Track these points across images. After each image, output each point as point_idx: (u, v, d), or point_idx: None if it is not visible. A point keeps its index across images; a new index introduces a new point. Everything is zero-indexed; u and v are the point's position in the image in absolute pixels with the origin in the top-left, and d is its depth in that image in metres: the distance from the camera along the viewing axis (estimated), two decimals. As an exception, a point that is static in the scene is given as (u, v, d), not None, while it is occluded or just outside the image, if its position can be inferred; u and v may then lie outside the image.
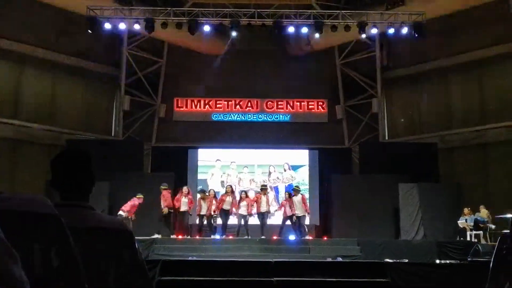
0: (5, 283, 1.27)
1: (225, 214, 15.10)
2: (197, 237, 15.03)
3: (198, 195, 15.56)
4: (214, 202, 15.24)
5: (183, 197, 15.04)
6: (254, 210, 15.29)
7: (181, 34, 18.12)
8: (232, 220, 15.49)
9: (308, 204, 15.66)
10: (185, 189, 15.37)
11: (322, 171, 19.61)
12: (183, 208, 15.01)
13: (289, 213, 14.95)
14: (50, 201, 1.78)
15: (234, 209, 15.14)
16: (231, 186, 15.90)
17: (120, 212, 14.20)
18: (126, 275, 2.29)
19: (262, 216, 15.20)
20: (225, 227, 15.09)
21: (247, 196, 15.61)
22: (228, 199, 15.15)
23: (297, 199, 15.15)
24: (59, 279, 1.68)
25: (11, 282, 1.29)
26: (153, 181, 15.99)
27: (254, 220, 15.44)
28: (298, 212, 15.00)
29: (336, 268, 9.80)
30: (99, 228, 2.27)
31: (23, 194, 1.73)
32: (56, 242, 1.70)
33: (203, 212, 15.13)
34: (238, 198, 15.57)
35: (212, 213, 15.10)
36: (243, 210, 15.11)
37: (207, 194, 15.59)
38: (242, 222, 15.04)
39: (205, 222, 15.29)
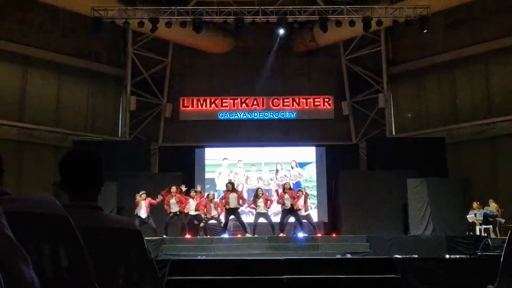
0: (16, 284, 1.26)
1: (233, 212, 14.56)
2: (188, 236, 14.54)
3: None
4: (212, 205, 14.68)
5: (171, 197, 14.38)
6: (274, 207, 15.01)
7: (186, 33, 18.13)
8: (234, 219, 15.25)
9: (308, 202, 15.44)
10: (173, 189, 14.51)
11: (330, 167, 19.57)
12: (173, 209, 14.34)
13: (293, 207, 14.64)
14: (58, 202, 1.76)
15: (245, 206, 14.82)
16: (231, 183, 15.21)
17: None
18: (136, 274, 2.28)
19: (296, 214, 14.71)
20: (244, 226, 14.60)
21: (263, 193, 15.07)
22: (233, 195, 14.56)
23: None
24: (69, 279, 1.66)
25: (22, 283, 1.27)
26: (161, 181, 15.97)
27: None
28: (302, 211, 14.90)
29: (345, 265, 9.76)
30: (108, 228, 2.26)
31: (31, 195, 1.72)
32: (65, 243, 1.69)
33: (192, 212, 14.57)
34: (248, 196, 15.25)
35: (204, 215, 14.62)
36: (261, 208, 14.63)
37: (196, 192, 14.98)
38: (263, 220, 14.67)
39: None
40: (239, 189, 16.41)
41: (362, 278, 8.76)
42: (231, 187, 14.86)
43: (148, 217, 14.26)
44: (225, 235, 14.55)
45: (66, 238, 1.70)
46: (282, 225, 14.68)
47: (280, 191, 15.16)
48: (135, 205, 14.41)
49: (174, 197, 14.40)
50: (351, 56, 21.17)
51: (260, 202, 14.67)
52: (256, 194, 14.94)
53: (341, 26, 17.30)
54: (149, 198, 14.40)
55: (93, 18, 16.86)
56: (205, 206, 14.65)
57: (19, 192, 1.84)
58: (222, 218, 14.88)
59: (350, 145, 21.08)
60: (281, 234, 14.47)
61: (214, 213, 14.71)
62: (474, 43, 18.78)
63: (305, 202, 15.03)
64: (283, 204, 14.58)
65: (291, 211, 14.59)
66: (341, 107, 21.13)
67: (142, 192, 14.40)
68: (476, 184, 16.73)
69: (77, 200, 2.28)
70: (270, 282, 8.38)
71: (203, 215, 14.65)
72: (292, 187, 15.53)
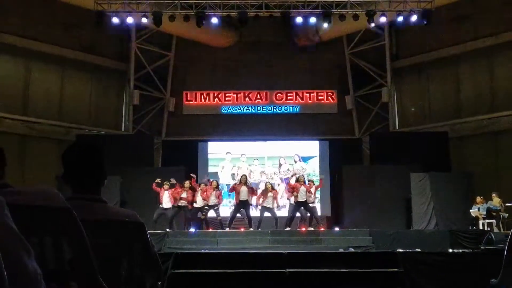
0: (19, 275, 1.26)
1: (243, 205, 14.48)
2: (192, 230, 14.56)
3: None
4: (213, 192, 14.65)
5: (182, 192, 14.55)
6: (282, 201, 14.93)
7: (189, 26, 18.08)
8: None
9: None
10: (186, 183, 14.72)
11: (333, 162, 19.57)
12: (179, 203, 14.56)
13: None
14: (62, 194, 1.77)
15: (254, 201, 14.73)
16: (245, 176, 15.26)
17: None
18: (138, 266, 2.29)
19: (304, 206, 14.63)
20: (250, 221, 14.58)
21: (273, 188, 15.01)
22: (244, 188, 14.52)
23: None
24: (72, 271, 1.67)
25: (25, 274, 1.28)
26: (164, 175, 15.99)
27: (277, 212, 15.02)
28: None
29: (348, 259, 9.77)
30: (112, 221, 2.27)
31: (34, 187, 1.72)
32: (68, 235, 1.69)
33: (198, 204, 14.66)
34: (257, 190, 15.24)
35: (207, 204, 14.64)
36: (268, 203, 14.54)
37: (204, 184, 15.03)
38: (268, 214, 14.61)
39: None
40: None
41: (365, 272, 8.77)
42: (244, 180, 14.84)
43: (168, 208, 14.45)
44: (227, 229, 14.56)
45: (69, 230, 1.71)
46: (291, 219, 14.66)
47: (293, 182, 15.06)
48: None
49: (186, 192, 14.50)
50: (355, 50, 21.09)
51: (270, 196, 14.65)
52: (266, 188, 14.88)
53: (344, 20, 17.25)
54: (171, 189, 14.55)
55: (97, 12, 16.85)
56: (205, 192, 14.62)
57: (22, 185, 1.85)
58: (220, 211, 14.94)
59: (353, 140, 21.05)
60: (287, 228, 14.48)
61: (213, 201, 14.63)
62: (477, 37, 18.70)
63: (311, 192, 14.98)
64: (296, 197, 14.49)
65: (304, 204, 14.57)
66: (345, 102, 21.08)
67: (165, 182, 14.61)
68: (479, 179, 16.71)
69: (80, 192, 2.28)
70: (273, 275, 8.39)
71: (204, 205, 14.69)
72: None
